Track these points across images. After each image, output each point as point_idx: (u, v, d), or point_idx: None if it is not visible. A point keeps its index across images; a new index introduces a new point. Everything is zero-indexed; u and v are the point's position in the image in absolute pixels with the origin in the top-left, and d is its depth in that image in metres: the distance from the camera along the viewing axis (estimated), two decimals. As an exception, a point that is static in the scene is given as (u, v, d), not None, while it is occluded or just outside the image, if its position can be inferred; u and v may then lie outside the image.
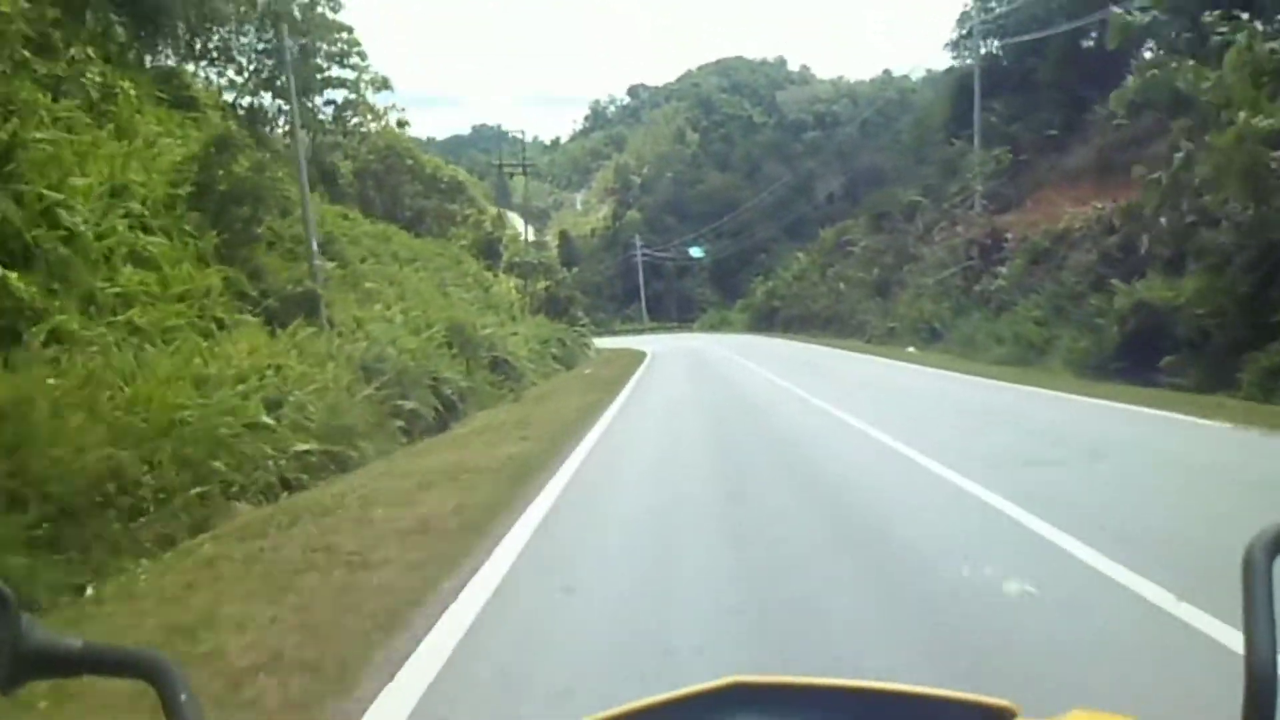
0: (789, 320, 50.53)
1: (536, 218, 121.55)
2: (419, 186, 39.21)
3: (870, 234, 42.90)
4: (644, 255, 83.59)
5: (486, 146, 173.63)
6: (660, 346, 43.81)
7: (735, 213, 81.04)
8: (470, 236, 41.67)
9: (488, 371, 21.49)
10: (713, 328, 68.61)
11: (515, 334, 27.37)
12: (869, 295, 39.04)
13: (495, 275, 38.80)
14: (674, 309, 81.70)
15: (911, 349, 29.13)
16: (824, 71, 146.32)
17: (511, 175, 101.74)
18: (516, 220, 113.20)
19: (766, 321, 55.93)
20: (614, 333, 72.67)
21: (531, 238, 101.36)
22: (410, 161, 39.40)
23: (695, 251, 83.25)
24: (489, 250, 42.13)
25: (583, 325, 42.43)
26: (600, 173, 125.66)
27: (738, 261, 79.67)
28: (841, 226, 49.84)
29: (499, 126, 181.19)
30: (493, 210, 50.80)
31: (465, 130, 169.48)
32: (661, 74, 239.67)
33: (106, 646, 0.86)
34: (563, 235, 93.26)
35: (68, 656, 0.82)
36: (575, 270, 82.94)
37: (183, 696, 0.79)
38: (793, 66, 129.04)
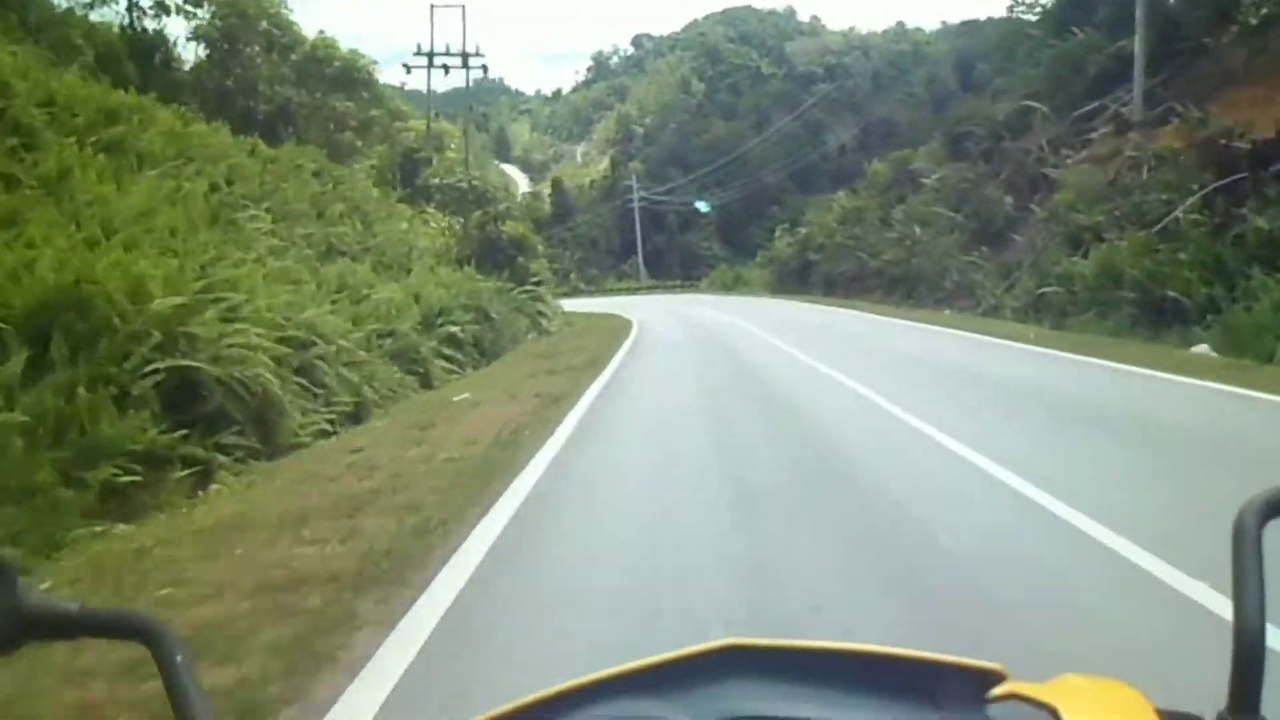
0: (831, 279, 38.37)
1: (537, 170, 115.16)
2: (287, 71, 25.89)
3: (949, 161, 31.84)
4: (643, 203, 71.76)
5: (488, 100, 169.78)
6: (655, 315, 32.05)
7: (742, 163, 73.26)
8: (380, 154, 29.20)
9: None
10: (724, 288, 56.02)
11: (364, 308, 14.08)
12: (966, 244, 27.62)
13: (420, 210, 26.92)
14: (677, 266, 70.46)
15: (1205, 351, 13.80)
16: (835, 22, 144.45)
17: (483, 117, 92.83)
18: (519, 176, 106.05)
19: (797, 280, 43.53)
20: (605, 291, 61.43)
21: (527, 188, 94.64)
22: (272, 29, 25.49)
23: (702, 205, 71.55)
24: (409, 175, 29.93)
25: (536, 282, 28.06)
26: (601, 124, 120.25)
27: (746, 214, 69.34)
28: (901, 156, 38.29)
29: (500, 80, 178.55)
30: (420, 125, 36.38)
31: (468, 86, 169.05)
32: (666, 24, 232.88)
33: (102, 610, 0.86)
34: (555, 183, 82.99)
35: (65, 619, 0.82)
36: (574, 223, 74.38)
37: (178, 658, 0.79)
38: (802, 17, 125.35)
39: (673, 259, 71.27)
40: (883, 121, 67.93)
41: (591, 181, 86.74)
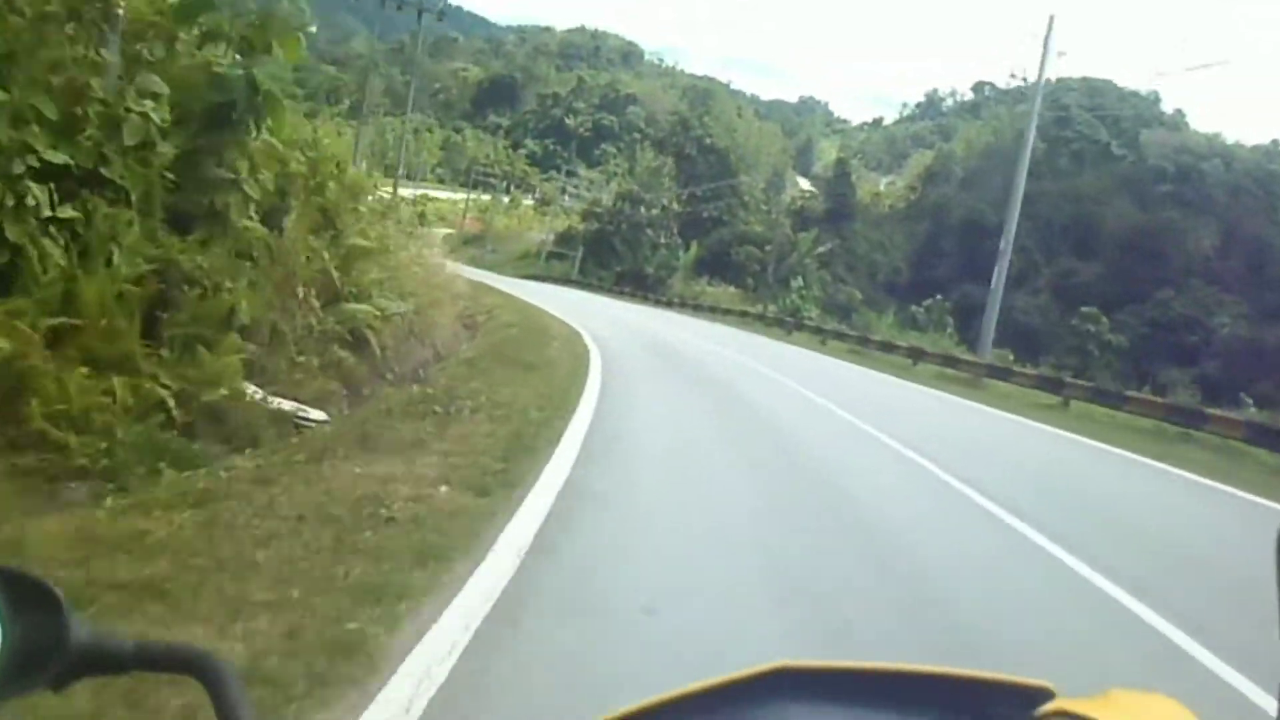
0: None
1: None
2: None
3: None
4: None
5: (800, 113, 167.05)
6: None
7: (1083, 233, 63.19)
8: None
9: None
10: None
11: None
12: None
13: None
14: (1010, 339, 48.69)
15: None
16: (1200, 122, 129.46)
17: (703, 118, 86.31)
18: (802, 182, 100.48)
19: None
20: (886, 346, 37.75)
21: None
22: None
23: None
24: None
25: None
26: (916, 156, 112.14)
27: (1100, 288, 53.39)
28: None
29: (826, 104, 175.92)
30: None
31: (791, 99, 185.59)
32: (1011, 76, 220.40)
33: (156, 644, 0.84)
34: (840, 167, 76.09)
35: (118, 655, 0.80)
36: (847, 228, 64.97)
37: (233, 694, 0.78)
38: (1166, 107, 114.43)
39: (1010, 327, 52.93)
40: (1254, 237, 61.32)
41: (891, 205, 77.59)
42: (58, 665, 0.76)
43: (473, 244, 75.07)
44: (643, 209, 70.21)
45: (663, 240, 70.25)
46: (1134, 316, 49.98)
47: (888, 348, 34.14)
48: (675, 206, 72.52)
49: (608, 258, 69.23)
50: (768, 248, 62.63)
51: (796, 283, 55.78)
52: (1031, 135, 36.27)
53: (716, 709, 0.76)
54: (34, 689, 0.77)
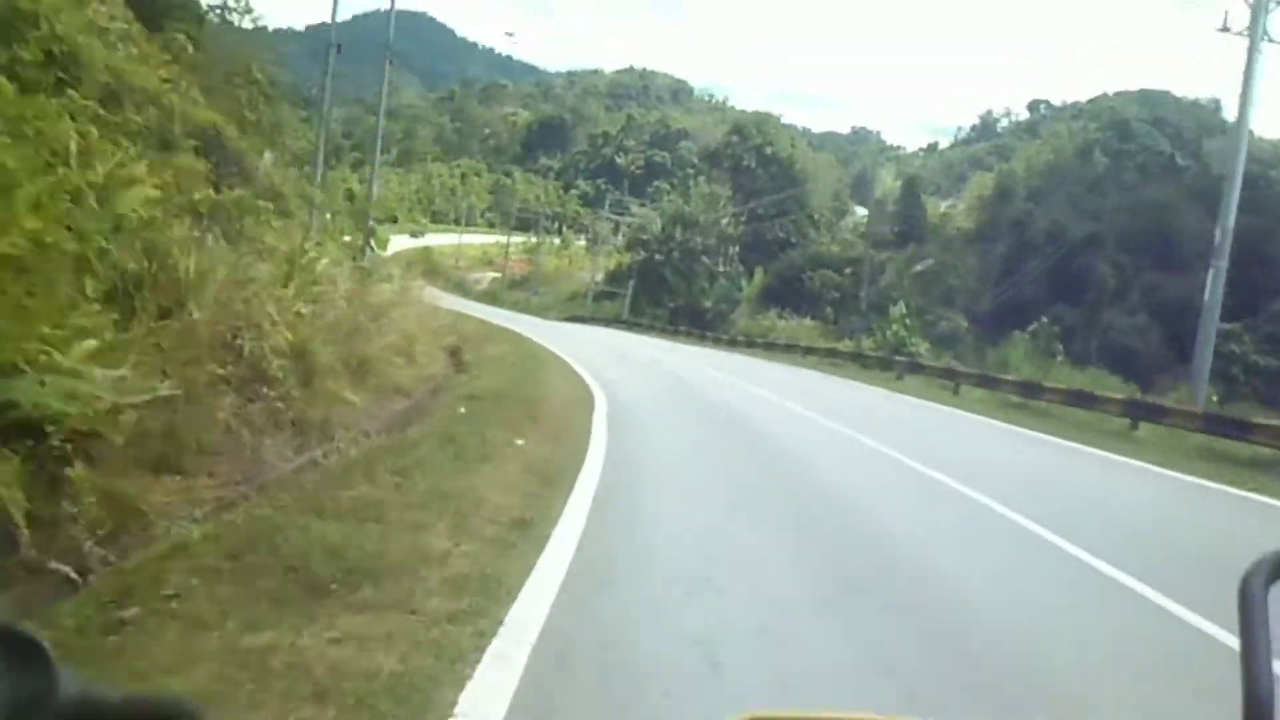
0: None
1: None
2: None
3: None
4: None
5: (857, 145, 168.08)
6: None
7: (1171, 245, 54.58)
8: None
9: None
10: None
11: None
12: None
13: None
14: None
15: None
16: (1265, 129, 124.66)
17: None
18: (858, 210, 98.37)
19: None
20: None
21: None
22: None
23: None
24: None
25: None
26: (976, 177, 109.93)
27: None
28: None
29: (879, 134, 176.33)
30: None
31: (843, 130, 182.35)
32: (1066, 93, 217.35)
33: (145, 696, 0.82)
34: (908, 186, 68.50)
35: (107, 707, 0.79)
36: (915, 250, 54.65)
37: None
38: (1228, 115, 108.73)
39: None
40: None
41: (958, 225, 72.99)
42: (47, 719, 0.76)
43: (519, 287, 73.89)
44: (697, 236, 62.17)
45: (721, 268, 62.07)
46: (1250, 332, 42.91)
47: (1083, 399, 22.17)
48: (732, 230, 63.87)
49: (659, 293, 61.36)
50: (848, 270, 52.99)
51: (897, 309, 43.12)
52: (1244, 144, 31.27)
53: None
54: None
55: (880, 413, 20.04)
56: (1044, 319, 41.04)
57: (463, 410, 12.11)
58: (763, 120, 79.03)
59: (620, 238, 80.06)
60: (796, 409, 18.08)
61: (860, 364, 34.68)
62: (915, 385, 28.29)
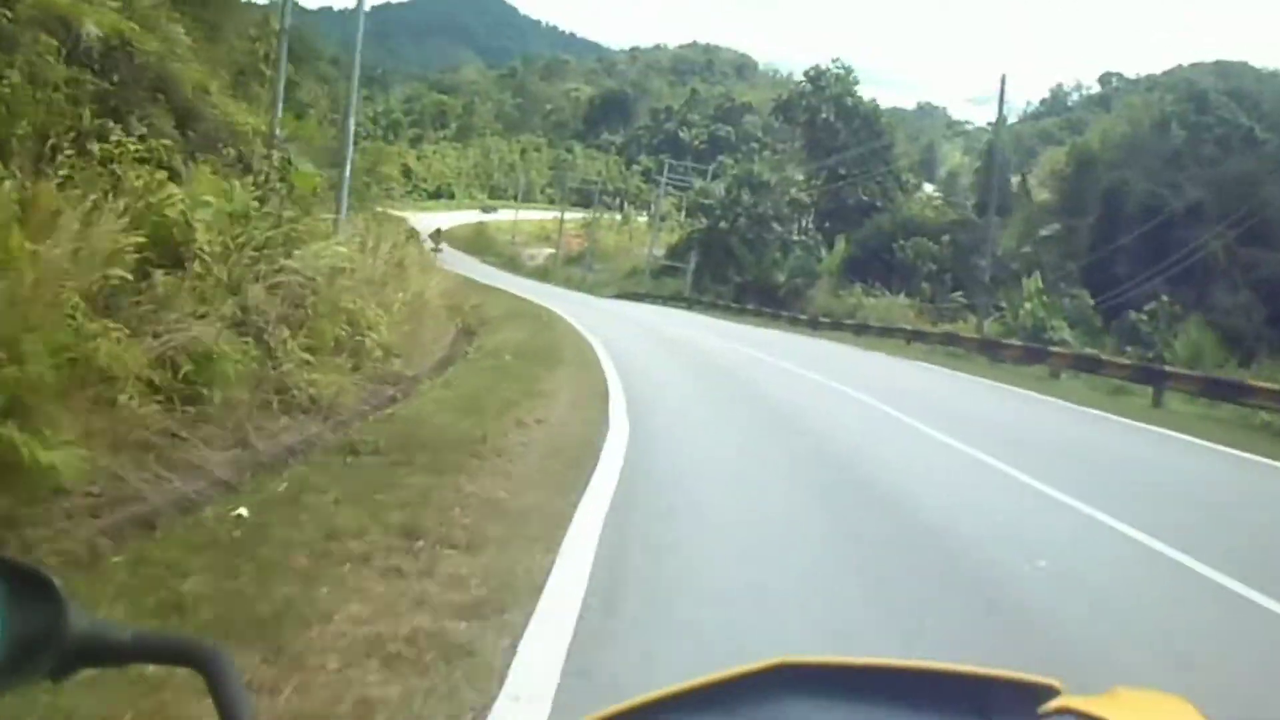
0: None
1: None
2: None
3: None
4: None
5: (924, 119, 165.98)
6: None
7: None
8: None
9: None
10: None
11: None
12: None
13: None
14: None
15: None
16: None
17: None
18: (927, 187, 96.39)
19: None
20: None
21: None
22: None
23: None
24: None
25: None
26: (1048, 152, 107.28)
27: None
28: None
29: (945, 109, 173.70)
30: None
31: (909, 106, 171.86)
32: (1139, 66, 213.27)
33: (154, 635, 0.85)
34: (989, 151, 63.02)
35: (116, 645, 0.80)
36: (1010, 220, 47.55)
37: (233, 687, 0.79)
38: None
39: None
40: None
41: (1039, 201, 67.19)
42: (56, 655, 0.76)
43: (574, 263, 73.12)
44: (768, 200, 53.85)
45: (795, 237, 54.22)
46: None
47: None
48: (806, 194, 56.00)
49: (725, 266, 53.93)
50: (945, 238, 45.92)
51: (1032, 282, 34.20)
52: None
53: (716, 705, 0.75)
54: (33, 679, 0.77)
55: (1132, 465, 11.79)
56: (1164, 298, 34.96)
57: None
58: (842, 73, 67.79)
59: (683, 214, 72.28)
60: (1011, 472, 9.42)
61: (990, 355, 26.63)
62: (1077, 388, 20.94)
